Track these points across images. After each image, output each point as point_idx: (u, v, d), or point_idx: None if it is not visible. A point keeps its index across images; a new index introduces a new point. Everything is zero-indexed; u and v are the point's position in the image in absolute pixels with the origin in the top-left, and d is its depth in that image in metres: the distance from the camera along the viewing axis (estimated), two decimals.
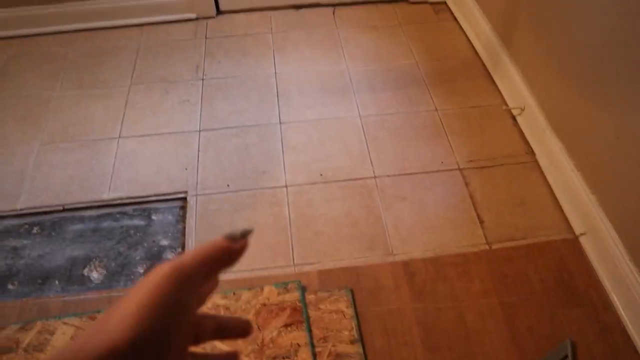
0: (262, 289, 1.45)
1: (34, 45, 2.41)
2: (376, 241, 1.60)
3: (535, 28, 1.81)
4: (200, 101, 2.07)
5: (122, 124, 2.00)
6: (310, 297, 1.43)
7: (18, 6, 2.37)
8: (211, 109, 2.04)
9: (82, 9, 2.42)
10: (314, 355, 1.32)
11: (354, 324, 1.38)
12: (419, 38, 2.35)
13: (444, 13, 2.52)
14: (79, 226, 1.70)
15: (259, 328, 1.37)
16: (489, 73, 2.15)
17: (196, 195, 1.74)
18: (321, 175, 1.78)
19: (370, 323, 1.40)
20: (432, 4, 2.58)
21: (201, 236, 1.63)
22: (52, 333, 1.40)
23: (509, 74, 1.99)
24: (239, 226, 0.42)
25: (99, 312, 1.44)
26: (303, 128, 1.94)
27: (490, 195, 1.72)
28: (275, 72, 2.19)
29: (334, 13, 2.53)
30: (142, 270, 1.57)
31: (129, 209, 1.74)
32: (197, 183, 1.77)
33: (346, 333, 1.36)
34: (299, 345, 1.34)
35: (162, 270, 0.36)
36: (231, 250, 0.40)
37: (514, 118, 1.96)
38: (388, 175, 1.77)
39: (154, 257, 1.60)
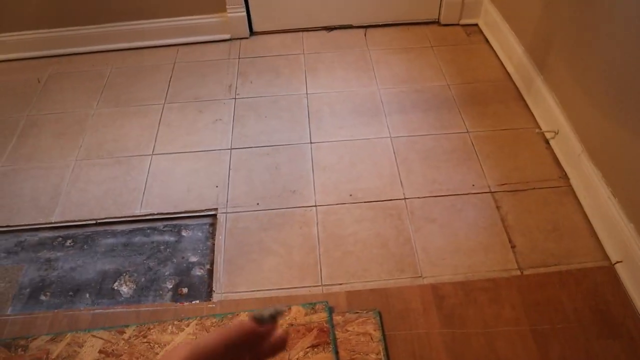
0: (289, 309, 1.44)
1: (74, 63, 2.48)
2: (405, 263, 1.58)
3: (570, 51, 1.79)
4: (232, 120, 2.10)
5: (155, 141, 2.03)
6: (337, 318, 1.42)
7: (59, 27, 2.46)
8: (243, 128, 2.06)
9: (120, 30, 2.49)
10: None
11: (381, 347, 1.36)
12: (450, 60, 2.35)
13: (476, 35, 2.51)
14: (110, 240, 1.72)
15: (285, 348, 1.36)
16: (521, 96, 2.13)
17: (226, 212, 1.75)
18: (351, 195, 1.78)
19: (398, 347, 1.38)
20: (463, 26, 2.58)
21: (230, 254, 1.63)
22: (81, 345, 1.41)
23: (543, 97, 1.97)
24: (269, 307, 0.39)
25: (127, 326, 1.45)
26: (334, 148, 1.95)
27: (522, 220, 1.69)
28: (306, 93, 2.21)
29: (365, 34, 2.55)
30: (170, 286, 1.58)
31: (159, 224, 1.76)
32: (227, 201, 1.79)
33: (373, 356, 1.35)
34: None
35: (178, 355, 0.35)
36: (257, 333, 0.37)
37: (547, 142, 1.93)
38: (418, 197, 1.76)
39: (183, 273, 1.61)
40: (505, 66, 2.28)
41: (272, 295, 1.51)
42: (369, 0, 2.50)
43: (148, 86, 2.31)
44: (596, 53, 1.62)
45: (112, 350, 1.39)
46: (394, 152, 1.92)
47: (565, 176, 1.81)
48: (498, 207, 1.73)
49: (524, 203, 1.74)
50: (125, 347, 1.39)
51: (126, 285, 1.60)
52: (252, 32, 2.58)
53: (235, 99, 2.21)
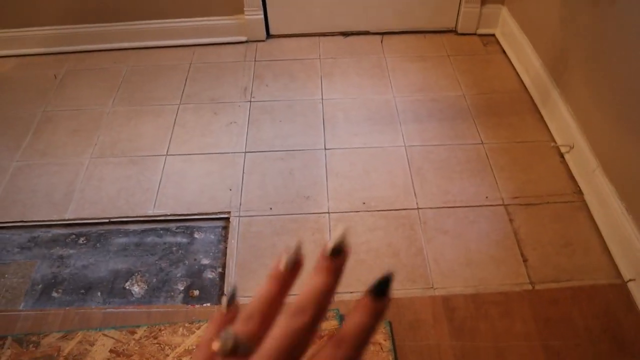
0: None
1: (90, 60, 2.50)
2: (417, 274, 1.58)
3: (588, 66, 1.79)
4: (247, 123, 2.11)
5: (170, 141, 2.04)
6: None
7: (77, 23, 2.47)
8: (257, 132, 2.07)
9: (137, 28, 2.50)
10: None
11: (391, 357, 1.36)
12: (466, 70, 2.35)
13: (493, 45, 2.51)
14: (123, 240, 1.73)
15: None
16: (537, 109, 2.13)
17: (239, 216, 1.76)
18: (364, 203, 1.78)
19: (407, 357, 1.38)
20: (480, 36, 2.57)
21: (242, 257, 1.64)
22: (92, 344, 1.42)
23: (559, 111, 1.97)
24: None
25: (138, 326, 1.45)
26: (348, 155, 1.95)
27: (535, 234, 1.68)
28: (322, 98, 2.21)
29: (381, 41, 2.55)
30: (182, 288, 1.59)
31: (172, 225, 1.77)
32: (240, 204, 1.79)
33: None
34: None
35: None
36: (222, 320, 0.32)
37: (561, 156, 1.93)
38: (431, 208, 1.76)
39: (195, 275, 1.62)
40: (522, 78, 2.28)
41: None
42: (386, 8, 2.50)
43: (164, 86, 2.32)
44: (614, 68, 1.62)
45: (123, 350, 1.40)
46: (408, 161, 1.92)
47: (579, 191, 1.81)
48: (511, 220, 1.72)
49: (537, 217, 1.73)
50: (136, 348, 1.40)
51: (138, 285, 1.61)
52: (268, 35, 2.58)
53: (250, 101, 2.21)
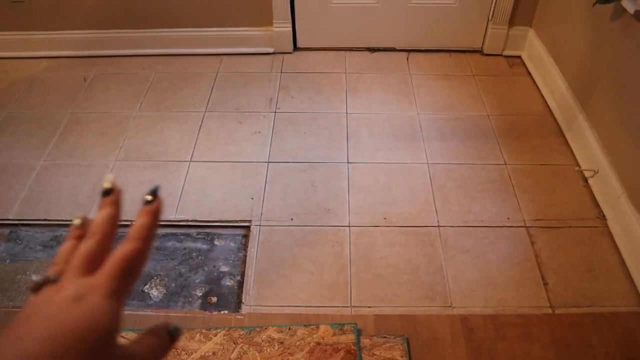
0: (317, 328, 1.44)
1: (119, 65, 2.54)
2: (436, 291, 1.57)
3: (615, 91, 1.78)
4: (271, 133, 2.12)
5: (194, 148, 2.06)
6: (365, 341, 1.42)
7: (108, 28, 2.52)
8: (281, 142, 2.08)
9: (167, 36, 2.54)
10: None
11: None
12: (491, 90, 2.35)
13: (518, 67, 2.51)
14: None
15: None
16: (561, 132, 2.12)
17: (260, 225, 1.77)
18: (385, 219, 1.78)
19: None
20: (506, 57, 2.57)
21: (261, 266, 1.64)
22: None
23: (584, 135, 1.95)
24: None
25: None
26: (370, 170, 1.95)
27: (556, 257, 1.67)
28: (346, 112, 2.22)
29: (407, 59, 2.56)
30: (200, 294, 1.60)
31: (193, 231, 1.78)
32: (261, 213, 1.80)
33: None
34: None
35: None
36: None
37: (585, 180, 1.92)
38: (452, 226, 1.76)
39: (213, 282, 1.63)
40: (547, 100, 2.27)
41: (300, 312, 1.52)
42: (413, 25, 2.52)
43: (190, 93, 2.35)
44: None
45: None
46: (430, 179, 1.92)
47: (602, 216, 1.79)
48: (532, 243, 1.71)
49: (558, 240, 1.72)
50: None
51: (156, 289, 1.62)
52: (295, 48, 2.61)
53: (275, 112, 2.23)
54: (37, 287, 0.36)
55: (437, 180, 1.92)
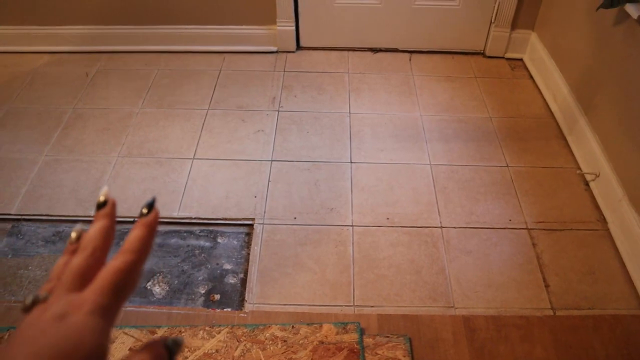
0: (320, 326, 1.45)
1: (122, 61, 2.53)
2: (438, 292, 1.58)
3: (618, 96, 1.79)
4: (274, 132, 2.13)
5: (197, 145, 2.06)
6: (368, 340, 1.43)
7: (111, 24, 2.51)
8: (284, 141, 2.08)
9: (170, 32, 2.54)
10: None
11: None
12: (493, 92, 2.36)
13: (520, 70, 2.52)
14: None
15: None
16: (563, 135, 2.13)
17: (263, 223, 1.77)
18: (388, 219, 1.78)
19: None
20: (508, 59, 2.59)
21: (264, 265, 1.65)
22: (111, 341, 1.43)
23: (585, 139, 1.97)
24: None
25: (159, 327, 1.46)
26: (373, 170, 1.96)
27: (557, 260, 1.68)
28: (349, 112, 2.23)
29: (410, 59, 2.56)
30: (203, 291, 1.60)
31: (196, 229, 1.78)
32: (264, 212, 1.81)
33: None
34: None
35: None
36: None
37: (586, 183, 1.93)
38: (454, 227, 1.76)
39: (216, 279, 1.63)
40: (549, 103, 2.28)
41: (303, 311, 1.52)
42: (416, 26, 2.52)
43: (193, 90, 2.35)
44: None
45: None
46: (433, 180, 1.93)
47: (603, 220, 1.80)
48: (534, 245, 1.72)
49: (560, 243, 1.73)
50: None
51: (159, 285, 1.62)
52: (298, 47, 2.61)
53: (278, 111, 2.23)
54: (28, 308, 0.34)
55: (439, 181, 1.92)
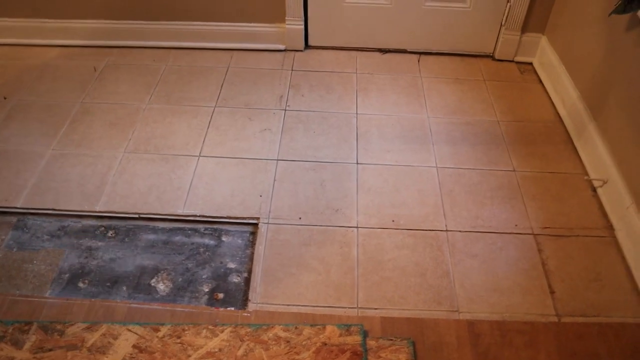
0: (324, 328, 1.44)
1: (130, 56, 2.53)
2: (442, 296, 1.57)
3: (628, 102, 1.78)
4: (280, 131, 2.12)
5: (203, 143, 2.06)
6: (371, 342, 1.42)
7: (120, 19, 2.51)
8: (290, 140, 2.08)
9: (178, 29, 2.53)
10: None
11: None
12: (502, 96, 2.35)
13: (529, 74, 2.51)
14: (151, 236, 1.75)
15: None
16: (571, 140, 2.12)
17: (268, 223, 1.77)
18: (393, 221, 1.78)
19: None
20: (518, 63, 2.57)
21: (268, 264, 1.64)
22: (115, 337, 1.43)
23: (594, 144, 1.95)
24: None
25: (162, 324, 1.46)
26: (379, 171, 1.95)
27: (563, 266, 1.67)
28: (356, 112, 2.22)
29: (418, 61, 2.55)
30: (206, 290, 1.59)
31: (200, 226, 1.78)
32: (269, 211, 1.80)
33: None
34: None
35: None
36: None
37: (594, 190, 1.91)
38: (460, 231, 1.76)
39: (220, 278, 1.63)
40: (557, 108, 2.27)
41: (307, 312, 1.52)
42: (425, 28, 2.51)
43: (201, 87, 2.35)
44: None
45: (146, 346, 1.40)
46: (439, 183, 1.92)
47: (610, 226, 1.79)
48: (540, 250, 1.71)
49: (566, 249, 1.72)
50: (159, 345, 1.41)
51: (163, 283, 1.62)
52: (307, 46, 2.61)
53: (285, 110, 2.23)
54: None
55: (446, 184, 1.92)
